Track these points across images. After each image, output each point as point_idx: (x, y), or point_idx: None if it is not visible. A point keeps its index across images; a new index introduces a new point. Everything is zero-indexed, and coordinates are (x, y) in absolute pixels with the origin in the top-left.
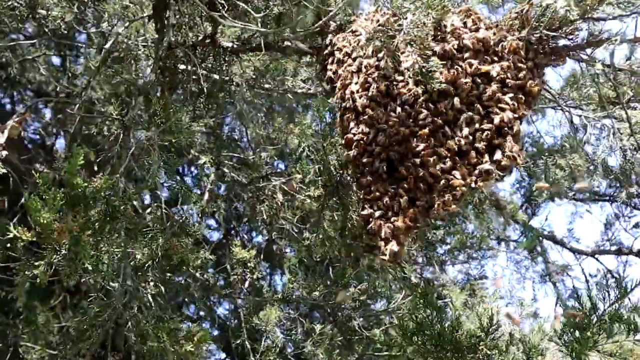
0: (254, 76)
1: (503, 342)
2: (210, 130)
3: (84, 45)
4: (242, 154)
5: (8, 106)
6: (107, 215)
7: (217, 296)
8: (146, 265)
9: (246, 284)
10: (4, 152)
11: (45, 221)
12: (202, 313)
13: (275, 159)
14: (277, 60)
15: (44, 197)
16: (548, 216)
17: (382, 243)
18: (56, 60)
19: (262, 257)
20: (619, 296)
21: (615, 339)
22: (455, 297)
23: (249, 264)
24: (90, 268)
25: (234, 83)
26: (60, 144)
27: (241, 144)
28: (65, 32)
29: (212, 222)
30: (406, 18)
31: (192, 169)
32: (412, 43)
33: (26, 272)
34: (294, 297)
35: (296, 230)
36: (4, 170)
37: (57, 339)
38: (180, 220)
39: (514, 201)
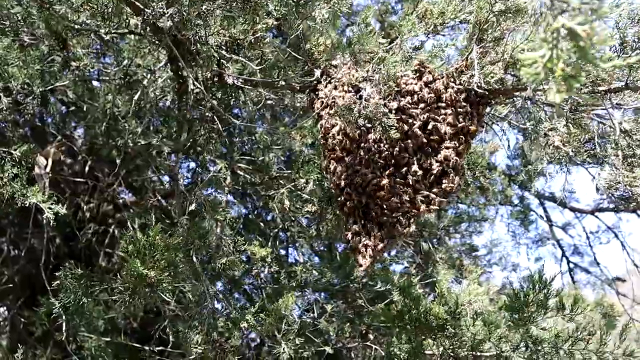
0: (257, 97)
1: (467, 321)
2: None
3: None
4: (253, 154)
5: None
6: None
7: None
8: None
9: (266, 271)
10: (49, 175)
11: (140, 272)
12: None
13: (283, 159)
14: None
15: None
16: (547, 180)
17: (359, 257)
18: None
19: (277, 242)
20: (542, 287)
21: (548, 315)
22: (442, 276)
23: (267, 260)
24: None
25: (240, 101)
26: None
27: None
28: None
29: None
30: (364, 90)
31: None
32: (368, 116)
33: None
34: (308, 281)
35: (305, 222)
36: (64, 211)
37: (103, 325)
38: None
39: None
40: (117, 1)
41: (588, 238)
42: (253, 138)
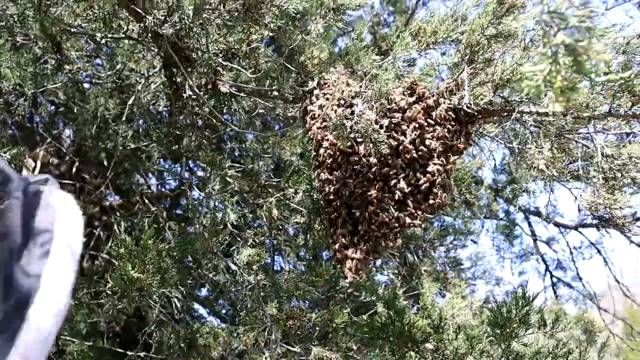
0: (248, 106)
1: (450, 334)
2: (214, 145)
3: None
4: (242, 161)
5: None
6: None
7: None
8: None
9: (251, 278)
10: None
11: (131, 276)
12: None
13: (272, 167)
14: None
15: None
16: (532, 196)
17: (346, 270)
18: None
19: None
20: (524, 303)
21: (529, 332)
22: (426, 289)
23: (253, 267)
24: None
25: (232, 109)
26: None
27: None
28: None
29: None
30: (356, 106)
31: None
32: (359, 132)
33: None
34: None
35: (292, 232)
36: None
37: (85, 328)
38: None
39: (490, 188)
40: (119, 8)
41: (571, 253)
42: (243, 146)
